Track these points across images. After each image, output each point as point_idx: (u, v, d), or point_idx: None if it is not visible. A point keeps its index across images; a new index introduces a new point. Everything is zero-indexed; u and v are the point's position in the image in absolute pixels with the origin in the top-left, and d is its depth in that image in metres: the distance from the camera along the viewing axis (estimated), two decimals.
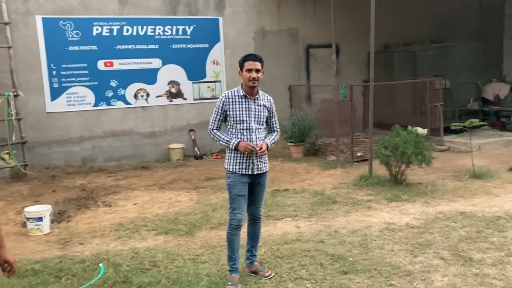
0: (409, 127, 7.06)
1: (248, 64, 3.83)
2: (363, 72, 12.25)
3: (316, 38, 11.68)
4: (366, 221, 5.43)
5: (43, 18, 9.22)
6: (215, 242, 4.97)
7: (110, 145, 9.98)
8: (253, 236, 4.16)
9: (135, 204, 6.74)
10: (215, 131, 3.97)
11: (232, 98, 3.90)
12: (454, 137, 9.81)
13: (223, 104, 3.91)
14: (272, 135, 4.12)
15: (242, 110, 3.88)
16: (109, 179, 8.50)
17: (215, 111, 3.96)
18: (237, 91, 3.93)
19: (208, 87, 10.79)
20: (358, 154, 9.10)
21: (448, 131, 9.84)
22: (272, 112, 4.07)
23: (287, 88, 11.47)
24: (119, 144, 10.06)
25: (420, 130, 7.65)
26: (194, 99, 10.67)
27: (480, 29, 13.37)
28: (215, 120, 3.97)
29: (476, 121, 7.31)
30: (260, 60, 3.88)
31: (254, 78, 3.81)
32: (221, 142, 3.94)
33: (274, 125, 4.15)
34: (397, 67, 11.89)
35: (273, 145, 4.08)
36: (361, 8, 11.40)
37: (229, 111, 3.89)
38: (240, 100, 3.90)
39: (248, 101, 3.90)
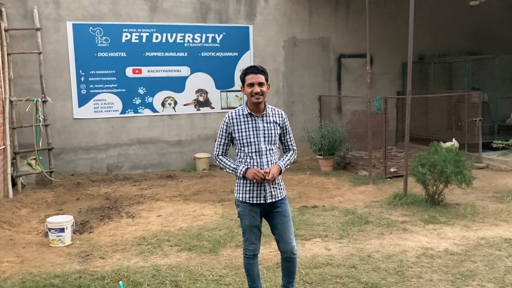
0: (441, 143, 6.65)
1: (249, 78, 3.45)
2: (397, 84, 11.91)
3: (348, 47, 11.38)
4: (402, 245, 5.08)
5: (73, 24, 9.21)
6: (240, 262, 4.71)
7: (136, 153, 9.87)
8: (288, 272, 3.73)
9: (158, 216, 6.56)
10: (220, 157, 3.61)
11: (236, 118, 3.51)
12: (494, 154, 9.30)
13: (226, 126, 3.54)
14: (287, 155, 3.67)
15: (249, 131, 3.48)
16: (133, 188, 8.37)
17: (219, 135, 3.60)
18: (241, 109, 3.54)
19: (236, 96, 10.59)
20: (392, 169, 8.69)
21: (485, 147, 9.37)
22: (286, 129, 3.63)
23: (317, 98, 11.13)
24: (145, 152, 9.94)
25: (451, 143, 7.22)
26: (222, 108, 10.48)
27: None
28: (219, 144, 3.60)
29: None
30: (263, 72, 3.49)
31: (257, 93, 3.41)
32: (227, 170, 3.56)
33: (289, 143, 3.70)
34: (433, 79, 11.44)
35: (288, 166, 3.65)
36: (395, 17, 11.11)
37: (235, 133, 3.51)
38: (245, 119, 3.50)
39: (255, 120, 3.50)
